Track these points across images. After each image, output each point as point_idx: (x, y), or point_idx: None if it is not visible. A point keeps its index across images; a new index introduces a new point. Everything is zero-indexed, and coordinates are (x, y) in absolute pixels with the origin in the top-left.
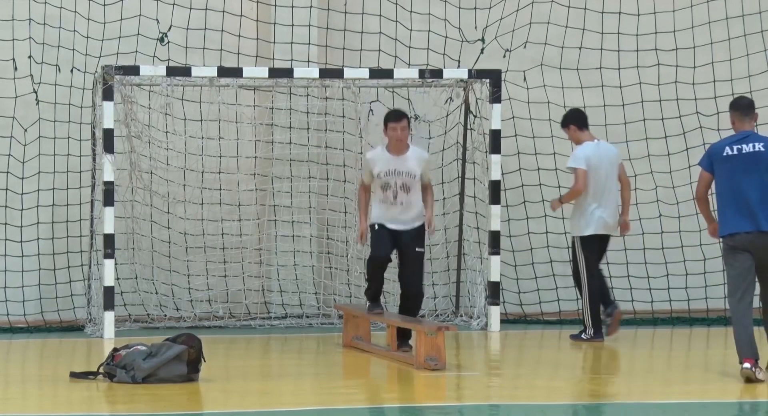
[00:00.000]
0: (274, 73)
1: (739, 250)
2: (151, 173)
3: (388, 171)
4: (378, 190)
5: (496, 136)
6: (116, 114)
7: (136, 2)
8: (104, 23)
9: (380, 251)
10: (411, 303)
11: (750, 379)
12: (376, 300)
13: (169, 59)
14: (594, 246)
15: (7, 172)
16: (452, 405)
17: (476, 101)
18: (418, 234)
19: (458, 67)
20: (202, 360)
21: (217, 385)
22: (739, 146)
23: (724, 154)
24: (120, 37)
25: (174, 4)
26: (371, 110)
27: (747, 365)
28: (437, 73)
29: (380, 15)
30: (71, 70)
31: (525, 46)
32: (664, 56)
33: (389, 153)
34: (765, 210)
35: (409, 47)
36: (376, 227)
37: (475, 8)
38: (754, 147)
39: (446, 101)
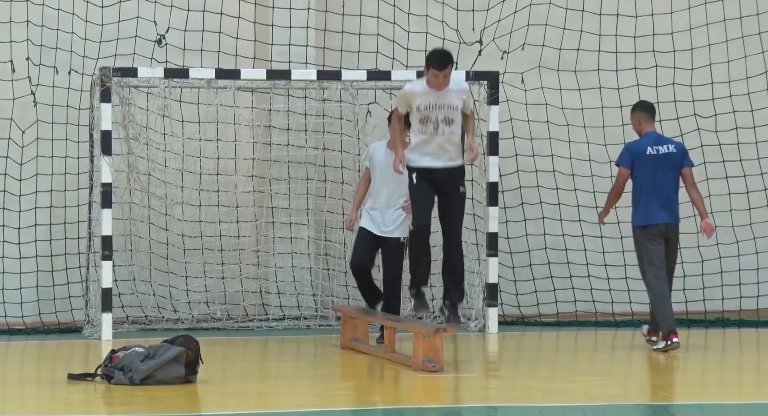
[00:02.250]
0: (272, 74)
1: (658, 237)
2: (149, 175)
3: (429, 105)
4: (416, 124)
5: (493, 138)
6: (114, 116)
7: (133, 4)
8: (102, 25)
9: (423, 217)
10: (453, 252)
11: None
12: (422, 295)
13: (166, 61)
14: None
15: (5, 174)
16: (450, 406)
17: (474, 103)
18: (459, 174)
19: (456, 68)
20: (200, 361)
21: (215, 387)
22: (658, 147)
23: (647, 153)
24: (118, 39)
25: (172, 5)
26: (369, 112)
27: (676, 340)
28: None
29: (378, 17)
30: (69, 72)
31: (523, 48)
32: (662, 58)
33: (429, 87)
34: (676, 204)
35: (407, 49)
36: (414, 180)
37: (473, 10)
38: (668, 148)
39: None
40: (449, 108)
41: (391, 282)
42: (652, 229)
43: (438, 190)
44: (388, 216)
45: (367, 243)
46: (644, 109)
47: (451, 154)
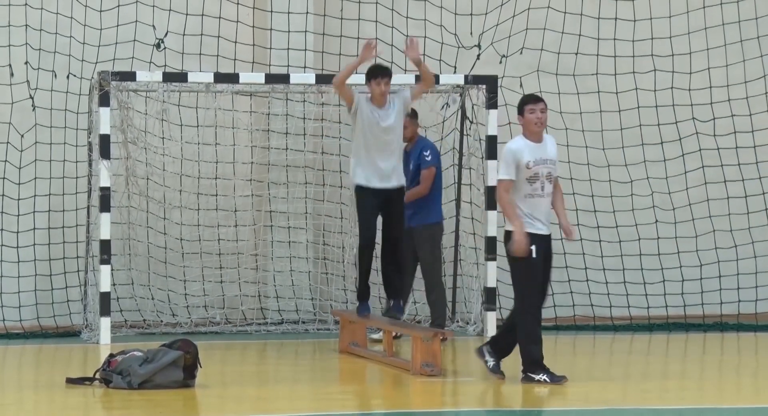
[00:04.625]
0: (271, 78)
1: None
2: (148, 179)
3: (536, 160)
4: (524, 186)
5: (492, 142)
6: (112, 120)
7: (132, 8)
8: (101, 29)
9: (541, 292)
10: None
11: None
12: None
13: (165, 65)
14: None
15: (4, 178)
16: (448, 410)
17: (472, 107)
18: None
19: (454, 72)
20: (199, 365)
21: (213, 391)
22: None
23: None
24: (116, 43)
25: (170, 10)
26: None
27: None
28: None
29: (376, 21)
30: (67, 76)
31: (521, 52)
32: (661, 62)
33: (530, 141)
34: None
35: (405, 54)
36: (534, 253)
37: (471, 14)
38: None
39: (443, 107)
40: (551, 162)
41: (402, 236)
42: (442, 226)
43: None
44: (389, 166)
45: (376, 215)
46: (416, 116)
47: (551, 216)
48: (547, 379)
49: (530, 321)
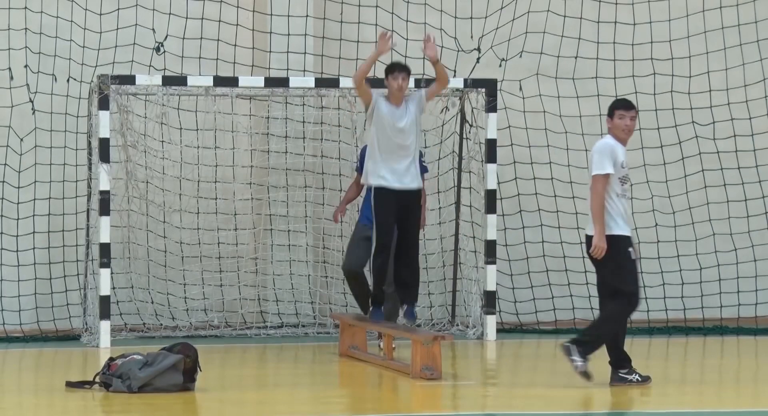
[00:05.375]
0: (270, 82)
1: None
2: (147, 182)
3: (624, 161)
4: (616, 185)
5: (491, 146)
6: (112, 123)
7: (132, 12)
8: (100, 33)
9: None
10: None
11: None
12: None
13: (165, 69)
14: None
15: (3, 181)
16: (448, 414)
17: (472, 110)
18: None
19: (454, 76)
20: (198, 369)
21: (213, 395)
22: None
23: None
24: (116, 47)
25: (170, 13)
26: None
27: None
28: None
29: (376, 24)
30: (67, 80)
31: (521, 56)
32: (660, 66)
33: (620, 143)
34: None
35: (405, 57)
36: (633, 255)
37: (471, 18)
38: None
39: (442, 110)
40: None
41: (417, 241)
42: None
43: None
44: (404, 167)
45: (394, 220)
46: None
47: None
48: (579, 366)
49: (618, 322)
